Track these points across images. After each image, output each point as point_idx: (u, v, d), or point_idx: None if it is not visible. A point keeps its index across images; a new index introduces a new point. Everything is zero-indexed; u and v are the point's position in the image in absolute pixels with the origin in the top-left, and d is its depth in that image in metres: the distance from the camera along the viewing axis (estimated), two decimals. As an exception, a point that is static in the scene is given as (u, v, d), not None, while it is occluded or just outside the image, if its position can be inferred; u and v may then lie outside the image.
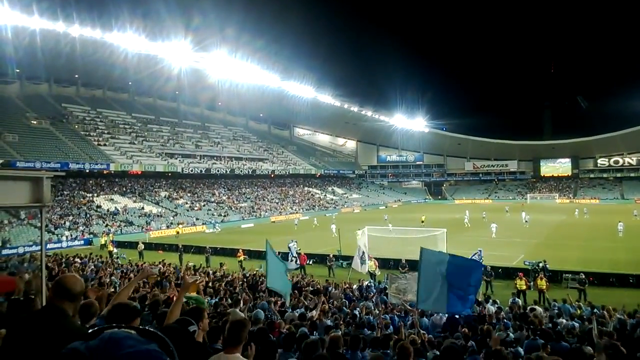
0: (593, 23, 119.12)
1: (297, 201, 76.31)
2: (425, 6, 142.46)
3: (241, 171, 77.17)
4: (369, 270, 23.06)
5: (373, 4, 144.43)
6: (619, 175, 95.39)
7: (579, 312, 14.68)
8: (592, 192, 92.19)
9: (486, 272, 22.12)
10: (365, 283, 19.89)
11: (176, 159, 69.17)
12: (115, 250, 33.66)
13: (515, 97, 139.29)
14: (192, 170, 68.42)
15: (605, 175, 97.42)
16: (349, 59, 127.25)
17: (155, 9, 57.18)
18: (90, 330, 0.90)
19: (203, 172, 70.56)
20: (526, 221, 47.09)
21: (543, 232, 41.22)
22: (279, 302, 13.50)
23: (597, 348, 8.14)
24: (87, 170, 55.33)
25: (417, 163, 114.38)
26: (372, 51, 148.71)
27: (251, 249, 32.85)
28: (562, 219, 53.52)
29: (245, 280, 19.20)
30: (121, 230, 45.96)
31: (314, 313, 11.06)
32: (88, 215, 47.86)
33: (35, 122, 58.81)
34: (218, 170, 73.16)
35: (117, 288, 14.61)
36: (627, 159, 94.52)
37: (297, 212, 67.21)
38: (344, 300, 15.10)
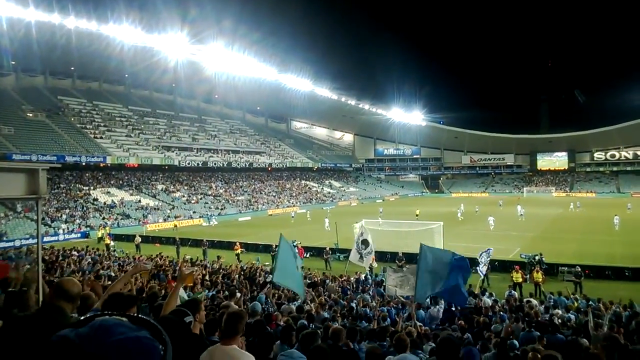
0: (590, 17, 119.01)
1: (294, 194, 76.32)
2: (423, 0, 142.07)
3: (238, 164, 77.03)
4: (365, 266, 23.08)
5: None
6: (615, 169, 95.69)
7: (575, 304, 14.76)
8: (589, 185, 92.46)
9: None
10: (363, 276, 19.94)
11: (173, 152, 68.99)
12: (112, 243, 33.64)
13: (512, 91, 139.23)
14: (189, 164, 68.27)
15: (601, 169, 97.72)
16: (347, 52, 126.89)
17: (152, 1, 56.84)
18: (81, 318, 0.90)
19: (200, 165, 70.42)
20: (521, 214, 47.19)
21: (539, 226, 41.38)
22: (276, 295, 13.55)
23: (593, 340, 8.20)
24: (84, 163, 55.14)
25: (414, 156, 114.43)
26: (369, 44, 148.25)
27: (248, 242, 32.94)
28: (558, 212, 53.72)
29: (242, 272, 19.23)
30: (118, 223, 45.91)
31: (311, 306, 11.09)
32: (85, 208, 47.77)
33: (31, 115, 58.53)
34: (215, 164, 73.02)
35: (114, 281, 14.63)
36: (623, 153, 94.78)
37: (294, 206, 67.22)
38: (340, 293, 15.16)
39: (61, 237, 39.30)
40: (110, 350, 0.78)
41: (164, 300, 5.46)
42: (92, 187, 54.66)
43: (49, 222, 41.61)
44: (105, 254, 26.12)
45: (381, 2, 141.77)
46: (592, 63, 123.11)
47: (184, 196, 61.14)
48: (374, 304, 12.89)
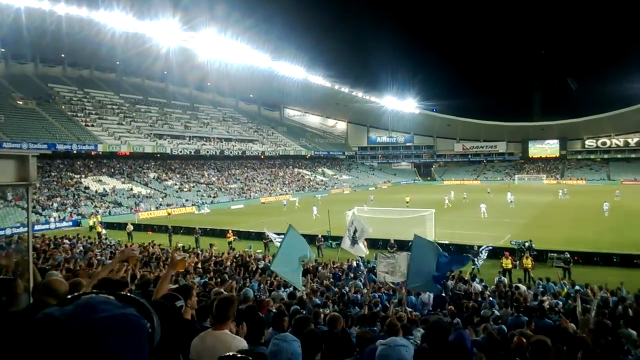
0: (583, 5, 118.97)
1: (287, 182, 76.33)
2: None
3: (231, 152, 76.78)
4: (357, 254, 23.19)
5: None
6: (606, 156, 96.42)
7: (564, 290, 14.97)
8: (580, 173, 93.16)
9: (473, 252, 22.46)
10: (355, 263, 20.08)
11: (165, 139, 68.61)
12: (104, 231, 33.57)
13: (505, 79, 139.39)
14: (181, 152, 67.96)
15: (592, 156, 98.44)
16: (340, 39, 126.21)
17: (142, -13, 56.01)
18: (68, 297, 0.90)
19: (192, 153, 70.12)
20: (511, 202, 47.59)
21: (530, 213, 41.72)
22: (268, 282, 13.64)
23: (581, 324, 8.36)
24: (75, 151, 54.77)
25: (407, 144, 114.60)
26: (363, 32, 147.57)
27: (241, 229, 32.98)
28: (548, 199, 54.15)
29: (235, 260, 19.30)
30: (110, 211, 45.71)
31: (303, 292, 11.18)
32: (76, 197, 47.54)
33: (21, 103, 57.88)
34: (207, 152, 72.76)
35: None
36: (614, 141, 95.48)
37: (286, 194, 67.25)
38: (332, 280, 15.28)
39: (52, 226, 39.13)
40: (96, 327, 0.78)
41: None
42: (83, 176, 54.35)
43: (40, 211, 41.40)
44: (97, 242, 26.07)
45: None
46: (585, 51, 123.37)
47: (176, 184, 60.95)
48: (366, 290, 13.01)
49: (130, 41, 59.37)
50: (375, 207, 40.24)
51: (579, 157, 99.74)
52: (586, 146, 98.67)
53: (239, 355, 1.98)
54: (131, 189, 54.19)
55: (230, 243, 27.95)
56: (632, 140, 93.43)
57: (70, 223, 41.13)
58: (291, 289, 12.21)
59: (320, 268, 18.02)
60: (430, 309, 12.10)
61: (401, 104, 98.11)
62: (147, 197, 53.13)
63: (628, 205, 44.44)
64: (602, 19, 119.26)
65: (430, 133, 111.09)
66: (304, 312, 8.13)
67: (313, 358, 3.56)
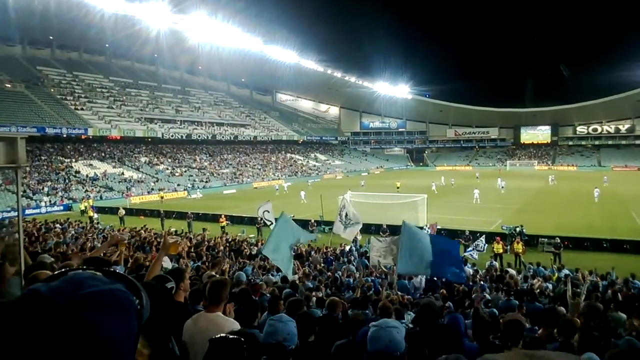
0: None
1: (279, 167, 76.19)
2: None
3: (223, 137, 76.40)
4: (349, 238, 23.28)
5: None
6: (597, 142, 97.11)
7: (555, 275, 15.14)
8: (571, 159, 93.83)
9: (465, 237, 22.64)
10: (347, 247, 20.18)
11: (156, 124, 68.06)
12: (95, 215, 33.42)
13: (498, 65, 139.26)
14: (172, 136, 67.49)
15: (583, 142, 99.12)
16: (333, 23, 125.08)
17: (132, -33, 54.97)
18: (55, 272, 0.88)
19: (184, 137, 69.69)
20: (502, 187, 47.94)
21: (521, 198, 42.01)
22: (261, 267, 13.68)
23: (570, 308, 8.46)
24: (65, 135, 54.23)
25: (400, 130, 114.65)
26: (356, 16, 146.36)
27: (233, 214, 32.95)
28: (540, 185, 54.51)
29: (228, 245, 19.32)
30: (101, 196, 45.43)
31: (295, 276, 11.23)
32: (67, 181, 47.18)
33: (9, 86, 57.03)
34: (199, 136, 72.35)
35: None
36: (605, 127, 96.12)
37: (279, 179, 67.16)
38: (323, 264, 15.33)
39: (43, 210, 38.86)
40: (82, 302, 0.77)
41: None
42: (73, 160, 53.89)
43: (31, 195, 41.07)
44: (89, 227, 25.96)
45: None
46: (577, 38, 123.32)
47: (167, 169, 60.64)
48: (358, 274, 13.09)
49: (119, 23, 58.42)
50: (367, 192, 40.32)
51: (570, 143, 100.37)
52: (577, 132, 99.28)
53: (231, 337, 1.97)
54: (122, 174, 53.85)
55: (223, 228, 27.97)
56: (623, 127, 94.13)
57: (62, 207, 40.86)
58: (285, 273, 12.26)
59: (313, 252, 18.08)
60: (422, 292, 12.22)
61: (394, 90, 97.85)
62: (138, 181, 52.85)
63: (618, 191, 44.89)
64: (594, 6, 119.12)
65: (422, 119, 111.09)
66: (297, 295, 8.16)
67: (306, 340, 3.57)
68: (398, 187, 47.65)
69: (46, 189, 43.32)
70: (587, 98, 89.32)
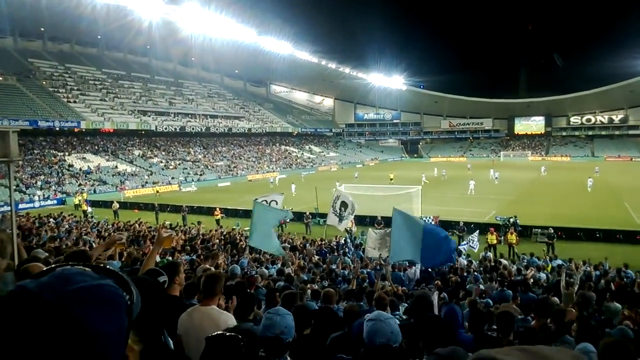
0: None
1: (274, 160, 76.04)
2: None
3: (217, 129, 76.12)
4: (345, 228, 23.34)
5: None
6: (590, 133, 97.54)
7: (549, 266, 15.25)
8: (564, 149, 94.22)
9: (459, 228, 22.76)
10: (342, 239, 20.23)
11: (149, 116, 67.67)
12: (89, 209, 33.29)
13: (492, 55, 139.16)
14: (166, 128, 67.14)
15: (577, 133, 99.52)
16: (328, 14, 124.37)
17: (123, -42, 54.31)
18: (44, 269, 0.87)
19: (177, 130, 69.36)
20: (496, 178, 48.18)
21: (514, 189, 42.21)
22: (256, 259, 13.70)
23: (564, 298, 8.54)
24: (57, 128, 53.80)
25: (394, 121, 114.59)
26: (351, 7, 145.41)
27: (228, 207, 32.92)
28: (533, 176, 54.77)
29: (223, 238, 19.30)
30: (95, 189, 45.22)
31: (291, 269, 11.26)
32: (60, 175, 46.89)
33: (0, 78, 56.44)
34: (193, 128, 72.05)
35: (93, 247, 14.54)
36: (599, 117, 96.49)
37: (274, 171, 67.07)
38: (316, 256, 15.36)
39: (37, 204, 38.62)
40: (70, 298, 0.76)
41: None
42: (67, 153, 53.53)
43: (24, 189, 40.81)
44: (83, 221, 25.87)
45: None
46: (571, 28, 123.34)
47: (161, 162, 60.39)
48: (354, 266, 13.14)
49: (111, 14, 57.76)
50: (359, 184, 40.38)
51: (564, 133, 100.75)
52: (571, 123, 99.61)
53: (227, 334, 1.96)
54: (116, 167, 53.58)
55: (218, 221, 27.95)
56: (616, 117, 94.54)
57: (55, 201, 40.64)
58: (279, 265, 12.30)
59: (307, 245, 18.11)
60: (414, 284, 12.27)
61: (388, 81, 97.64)
62: (132, 174, 52.61)
63: (611, 182, 45.19)
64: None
65: (417, 110, 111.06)
66: (292, 288, 8.18)
67: (302, 333, 3.58)
68: (391, 179, 47.82)
69: (39, 183, 43.05)
70: (581, 88, 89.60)
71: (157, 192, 45.56)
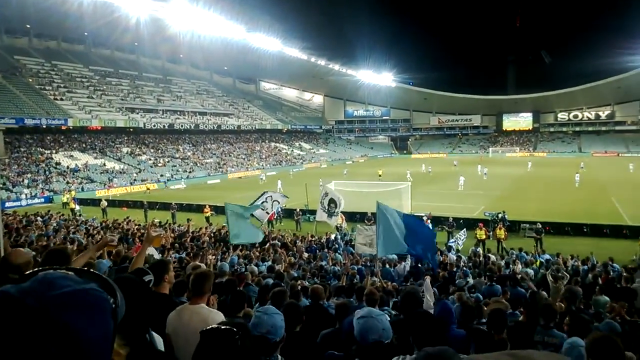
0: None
1: (263, 157, 75.89)
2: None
3: (206, 126, 75.75)
4: (336, 225, 23.34)
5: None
6: (577, 129, 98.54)
7: (538, 261, 15.38)
8: (552, 145, 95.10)
9: (448, 224, 22.88)
10: (333, 236, 20.24)
11: (137, 113, 67.11)
12: (77, 207, 32.95)
13: (480, 52, 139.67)
14: (154, 126, 66.65)
15: (564, 129, 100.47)
16: (317, 11, 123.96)
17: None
18: (25, 273, 0.84)
19: (166, 127, 68.89)
20: (485, 174, 48.57)
21: (503, 185, 42.52)
22: (245, 255, 13.67)
23: (552, 293, 8.62)
24: (44, 126, 53.16)
25: (384, 118, 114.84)
26: (340, 3, 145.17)
27: (218, 204, 32.75)
28: (521, 172, 55.21)
29: (213, 235, 19.23)
30: (82, 187, 44.77)
31: (280, 266, 11.26)
32: (47, 173, 46.36)
33: (-14, 76, 55.68)
34: (182, 126, 71.60)
35: (81, 244, 14.40)
36: (586, 114, 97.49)
37: (263, 168, 66.93)
38: (305, 253, 15.35)
39: (24, 203, 38.19)
40: (54, 303, 0.74)
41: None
42: (54, 151, 52.94)
43: (11, 187, 40.33)
44: (72, 219, 25.61)
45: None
46: (558, 25, 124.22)
47: (150, 159, 59.95)
48: (344, 263, 13.15)
49: (98, 10, 57.13)
50: (349, 181, 40.43)
51: (552, 129, 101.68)
52: (558, 119, 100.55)
53: (222, 327, 1.94)
54: (104, 164, 53.11)
55: (207, 218, 27.83)
56: (603, 114, 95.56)
57: (42, 200, 40.20)
58: (269, 262, 12.29)
59: (298, 242, 18.10)
60: (402, 279, 12.31)
61: (378, 78, 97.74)
62: (120, 172, 52.20)
63: (598, 177, 45.69)
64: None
65: (406, 106, 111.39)
66: (283, 285, 8.17)
67: (293, 330, 3.57)
68: (380, 175, 48.07)
69: (26, 181, 42.55)
70: (568, 85, 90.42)
71: (148, 189, 45.28)
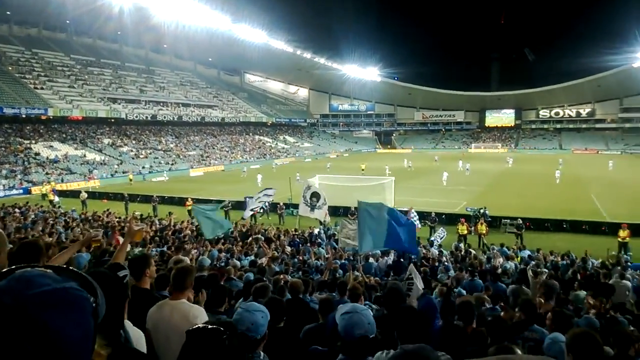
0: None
1: (247, 150, 75.48)
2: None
3: (189, 118, 75.03)
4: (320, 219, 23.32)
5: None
6: (558, 126, 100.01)
7: (519, 257, 15.57)
8: (533, 142, 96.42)
9: (430, 219, 23.03)
10: (316, 230, 20.23)
11: (119, 104, 66.13)
12: (56, 199, 32.39)
13: (465, 49, 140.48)
14: (136, 117, 65.79)
15: (545, 126, 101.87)
16: (303, 3, 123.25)
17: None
18: (2, 271, 0.83)
19: (149, 118, 68.05)
20: (467, 169, 49.05)
21: (485, 181, 42.96)
22: (229, 251, 13.58)
23: (532, 287, 8.73)
24: (24, 116, 52.07)
25: (369, 112, 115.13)
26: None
27: (200, 197, 32.50)
28: (503, 167, 55.86)
29: (195, 229, 19.04)
30: (62, 179, 44.00)
31: (263, 260, 11.21)
32: (26, 163, 45.46)
33: (-38, 62, 54.25)
34: (165, 117, 70.80)
35: (61, 237, 14.16)
36: (567, 111, 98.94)
37: (247, 161, 66.59)
38: (287, 247, 15.32)
39: (1, 194, 37.43)
40: (31, 302, 0.71)
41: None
42: (33, 141, 51.90)
43: (-13, 178, 39.49)
44: (50, 210, 25.15)
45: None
46: (542, 23, 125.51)
47: (132, 151, 59.18)
48: (327, 257, 13.15)
49: (80, -2, 56.09)
50: (333, 175, 40.43)
51: (533, 126, 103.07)
52: (540, 116, 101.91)
53: (209, 327, 1.90)
54: (84, 156, 52.27)
55: (189, 211, 27.56)
56: (584, 111, 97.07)
57: (21, 191, 39.41)
58: (252, 257, 12.23)
59: (281, 236, 18.04)
60: (383, 274, 12.35)
61: (363, 72, 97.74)
62: (101, 163, 51.44)
63: (578, 174, 46.43)
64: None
65: (391, 101, 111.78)
66: (265, 279, 8.13)
67: (276, 325, 3.55)
68: (363, 170, 48.21)
69: (4, 172, 41.67)
70: (550, 82, 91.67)
71: (130, 180, 44.78)
